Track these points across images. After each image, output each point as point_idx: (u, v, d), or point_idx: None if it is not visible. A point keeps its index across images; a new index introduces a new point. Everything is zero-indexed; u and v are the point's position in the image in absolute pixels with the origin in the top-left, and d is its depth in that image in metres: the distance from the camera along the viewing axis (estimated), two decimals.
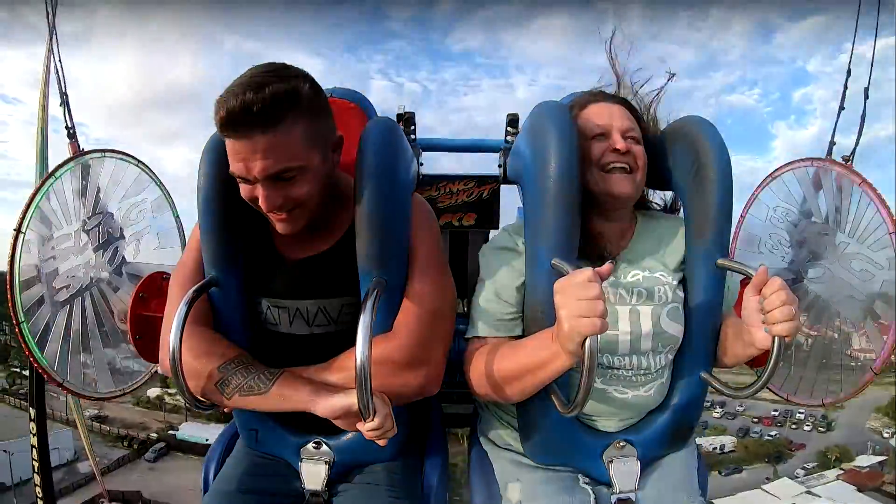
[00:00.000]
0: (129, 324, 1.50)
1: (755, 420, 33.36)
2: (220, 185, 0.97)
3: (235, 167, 0.86)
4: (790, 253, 1.96)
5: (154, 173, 2.09)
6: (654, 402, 1.08)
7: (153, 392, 33.81)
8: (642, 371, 1.05)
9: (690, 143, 1.04)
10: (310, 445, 1.08)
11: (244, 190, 0.90)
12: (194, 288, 0.93)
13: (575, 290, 0.80)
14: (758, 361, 1.48)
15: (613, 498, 1.06)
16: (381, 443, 0.88)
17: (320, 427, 1.02)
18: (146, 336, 1.49)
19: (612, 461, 1.06)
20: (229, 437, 1.24)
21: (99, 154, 2.00)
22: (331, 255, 1.01)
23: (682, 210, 1.13)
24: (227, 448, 1.21)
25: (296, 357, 0.99)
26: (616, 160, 1.03)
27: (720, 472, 26.89)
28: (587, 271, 0.80)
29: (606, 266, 0.82)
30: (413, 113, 1.67)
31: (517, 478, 1.10)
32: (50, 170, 1.89)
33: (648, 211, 1.20)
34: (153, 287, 1.56)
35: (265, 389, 0.91)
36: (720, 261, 1.01)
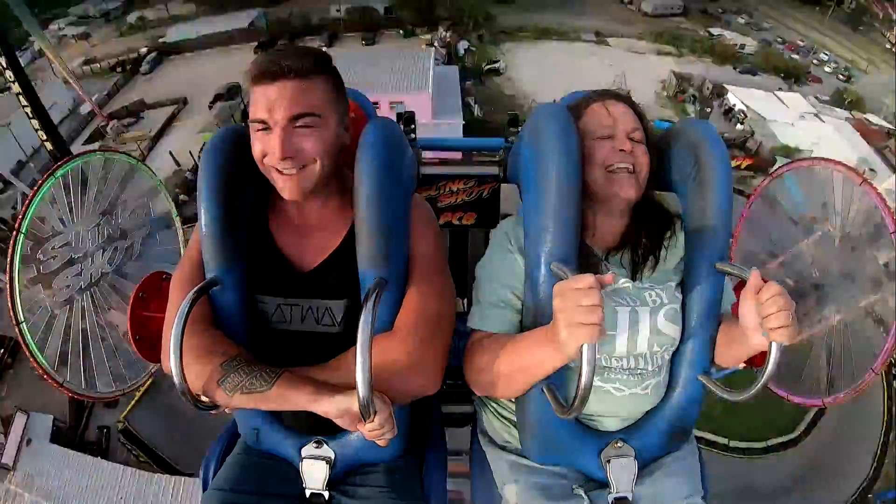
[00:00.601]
0: (128, 324, 1.50)
1: (779, 40, 30.59)
2: (220, 186, 0.97)
3: (259, 114, 0.91)
4: (791, 252, 1.97)
5: (154, 172, 2.09)
6: (652, 401, 1.08)
7: (132, 17, 29.97)
8: (639, 370, 1.05)
9: (691, 145, 1.04)
10: (311, 445, 1.08)
11: (259, 142, 0.93)
12: (195, 289, 0.93)
13: (575, 295, 0.79)
14: (756, 361, 1.48)
15: (610, 498, 1.06)
16: (382, 443, 0.88)
17: (321, 427, 1.02)
18: (146, 336, 1.49)
19: (609, 461, 1.06)
20: (229, 437, 1.24)
21: (99, 154, 2.00)
22: (335, 257, 1.02)
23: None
24: (226, 447, 1.21)
25: (300, 354, 0.99)
26: (620, 160, 1.03)
27: (734, 67, 26.36)
28: (588, 277, 0.80)
29: (609, 275, 0.82)
30: (413, 112, 1.67)
31: (515, 479, 1.10)
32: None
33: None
34: (153, 287, 1.56)
35: (266, 388, 0.91)
36: (719, 265, 1.01)
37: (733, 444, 10.45)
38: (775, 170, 2.08)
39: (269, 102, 0.91)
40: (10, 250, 1.85)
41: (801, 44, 30.08)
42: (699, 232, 1.03)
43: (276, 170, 0.94)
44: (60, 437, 9.79)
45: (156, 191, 2.17)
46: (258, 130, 0.93)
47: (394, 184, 0.96)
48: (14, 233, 1.84)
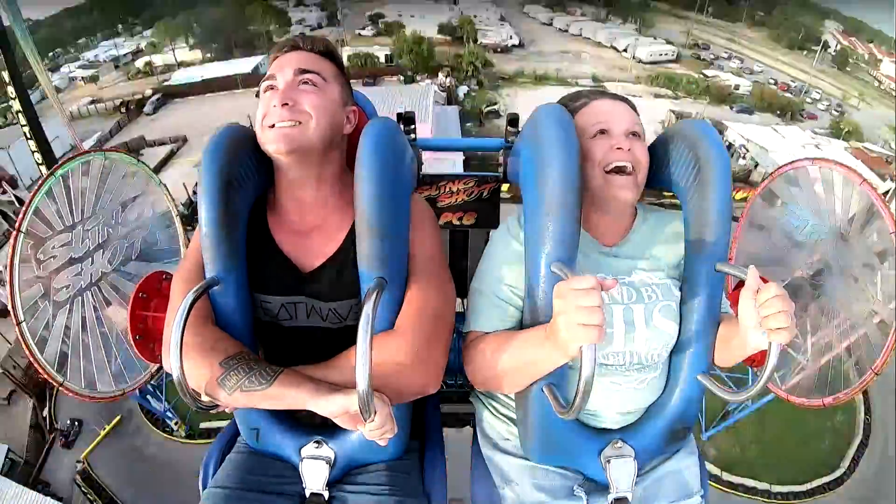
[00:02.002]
0: (128, 323, 1.50)
1: (771, 81, 32.22)
2: (220, 186, 0.97)
3: (269, 74, 1.01)
4: (791, 252, 1.97)
5: (153, 172, 2.09)
6: (649, 396, 1.08)
7: (140, 61, 31.68)
8: (636, 364, 1.05)
9: (690, 145, 1.04)
10: (310, 445, 1.07)
11: (264, 102, 0.99)
12: (195, 289, 0.93)
13: (575, 296, 0.79)
14: (757, 362, 1.48)
15: (610, 498, 1.05)
16: (382, 443, 0.88)
17: (321, 426, 1.02)
18: (146, 336, 1.49)
19: (609, 461, 1.06)
20: (229, 437, 1.24)
21: (99, 153, 2.00)
22: (336, 258, 1.02)
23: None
24: (226, 448, 1.21)
25: (308, 349, 0.99)
26: (618, 159, 1.03)
27: (731, 107, 27.35)
28: (590, 278, 0.79)
29: (611, 280, 0.81)
30: (413, 112, 1.67)
31: (515, 480, 1.10)
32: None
33: (651, 206, 1.20)
34: (153, 287, 1.56)
35: (265, 386, 0.91)
36: (719, 265, 1.01)
37: (776, 489, 10.30)
38: (776, 170, 2.08)
39: (281, 62, 1.01)
40: (10, 250, 1.85)
41: (792, 84, 31.44)
42: (699, 232, 1.03)
43: (272, 126, 0.96)
44: (14, 471, 9.49)
45: (156, 191, 2.17)
46: (266, 91, 0.99)
47: (394, 183, 0.96)
48: (14, 232, 1.83)
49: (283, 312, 1.04)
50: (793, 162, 2.12)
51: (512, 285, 1.05)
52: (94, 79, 30.82)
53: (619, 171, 1.04)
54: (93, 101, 29.03)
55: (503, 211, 1.84)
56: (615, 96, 1.12)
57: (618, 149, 1.03)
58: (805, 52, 33.78)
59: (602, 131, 1.05)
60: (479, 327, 1.05)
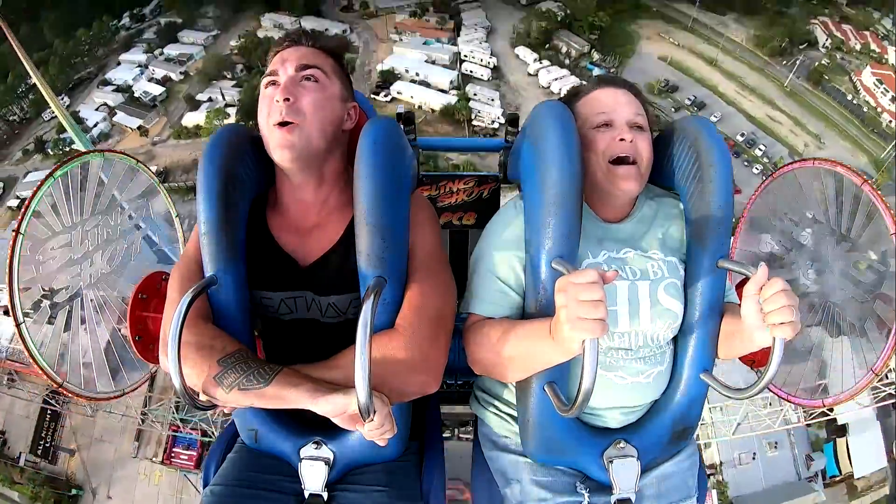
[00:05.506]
0: (128, 324, 1.50)
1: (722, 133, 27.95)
2: (219, 185, 0.97)
3: (271, 70, 1.02)
4: (791, 252, 1.96)
5: (153, 172, 2.09)
6: (654, 392, 1.08)
7: (189, 120, 25.88)
8: (642, 353, 1.05)
9: (692, 143, 1.04)
10: (309, 445, 1.07)
11: (266, 99, 1.00)
12: (193, 288, 0.93)
13: (577, 290, 0.79)
14: (759, 362, 1.48)
15: (613, 498, 1.05)
16: (381, 443, 0.88)
17: (320, 427, 1.01)
18: (146, 336, 1.49)
19: (611, 461, 1.05)
20: (230, 437, 1.23)
21: (98, 154, 2.00)
22: (334, 251, 1.03)
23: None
24: (227, 448, 1.20)
25: (309, 342, 1.00)
26: (622, 151, 1.04)
27: None
28: (591, 272, 0.79)
29: (612, 272, 0.82)
30: (413, 112, 1.67)
31: (517, 478, 1.10)
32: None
33: (651, 188, 1.19)
34: (153, 287, 1.56)
35: (263, 385, 0.91)
36: (720, 262, 1.01)
37: None
38: (776, 170, 2.07)
39: (283, 57, 1.02)
40: (10, 250, 1.84)
41: (740, 138, 24.89)
42: (700, 231, 1.03)
43: (276, 126, 0.97)
44: None
45: (155, 191, 2.16)
46: (267, 86, 1.00)
47: (393, 182, 0.96)
48: (14, 233, 1.83)
49: (283, 307, 1.04)
50: (793, 162, 2.12)
51: (516, 268, 1.04)
52: (143, 132, 25.53)
53: (622, 161, 1.04)
54: (160, 175, 23.30)
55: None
56: (618, 83, 1.12)
57: (621, 140, 1.03)
58: (785, 62, 27.38)
59: (604, 122, 1.05)
60: (482, 311, 1.05)
